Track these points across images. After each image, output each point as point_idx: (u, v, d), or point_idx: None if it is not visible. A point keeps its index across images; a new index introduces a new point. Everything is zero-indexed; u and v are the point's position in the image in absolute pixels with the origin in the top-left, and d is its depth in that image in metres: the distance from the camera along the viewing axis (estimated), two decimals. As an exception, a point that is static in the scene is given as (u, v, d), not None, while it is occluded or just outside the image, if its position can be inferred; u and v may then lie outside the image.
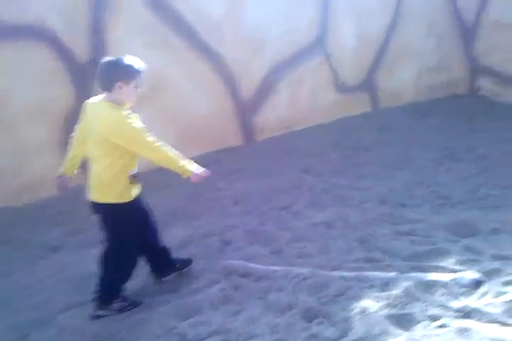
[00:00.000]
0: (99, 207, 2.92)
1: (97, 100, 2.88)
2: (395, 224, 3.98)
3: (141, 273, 3.38)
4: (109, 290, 3.07)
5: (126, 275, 3.13)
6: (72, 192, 4.92)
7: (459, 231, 3.76)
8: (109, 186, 2.86)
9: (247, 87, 6.26)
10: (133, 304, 3.11)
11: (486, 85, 8.40)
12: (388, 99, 7.85)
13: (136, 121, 2.75)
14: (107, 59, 2.76)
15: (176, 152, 2.90)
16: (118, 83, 2.72)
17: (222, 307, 3.02)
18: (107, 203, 2.88)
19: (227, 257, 3.61)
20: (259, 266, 3.43)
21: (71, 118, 5.03)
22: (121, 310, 3.06)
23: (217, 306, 3.04)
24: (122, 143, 2.74)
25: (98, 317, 3.03)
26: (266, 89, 6.45)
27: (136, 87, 2.80)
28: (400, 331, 2.61)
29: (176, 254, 3.57)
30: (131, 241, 3.04)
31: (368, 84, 7.62)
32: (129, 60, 2.75)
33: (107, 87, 2.76)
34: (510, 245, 3.44)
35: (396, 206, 4.30)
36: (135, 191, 2.98)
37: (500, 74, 8.10)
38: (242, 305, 3.03)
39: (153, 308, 3.06)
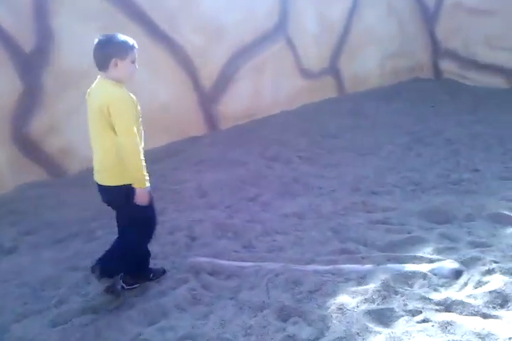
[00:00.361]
0: (112, 191, 2.79)
1: (96, 82, 2.78)
2: (368, 212, 3.85)
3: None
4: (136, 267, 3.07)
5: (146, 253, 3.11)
6: (22, 191, 4.67)
7: (433, 217, 3.65)
8: (118, 167, 2.70)
9: (208, 74, 6.00)
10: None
11: (450, 68, 8.38)
12: (354, 84, 7.72)
13: (131, 106, 2.68)
14: (99, 38, 2.66)
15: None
16: (113, 60, 2.63)
17: (190, 310, 2.81)
18: (122, 185, 2.74)
19: (194, 254, 3.40)
20: (228, 263, 3.24)
21: (17, 113, 4.69)
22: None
23: (186, 308, 2.83)
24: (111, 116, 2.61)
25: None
26: (227, 77, 6.20)
27: (133, 63, 2.71)
28: (379, 328, 2.47)
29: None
30: (153, 220, 3.00)
31: (332, 70, 7.46)
32: (121, 36, 2.67)
33: (103, 65, 2.66)
34: (485, 231, 3.35)
35: (368, 194, 4.16)
36: None
37: (464, 57, 8.08)
38: (212, 306, 2.83)
39: (116, 313, 2.82)
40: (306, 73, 7.06)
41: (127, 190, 2.72)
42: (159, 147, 5.66)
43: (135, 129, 2.66)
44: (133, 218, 2.87)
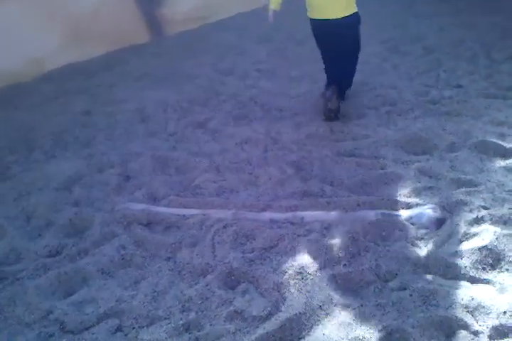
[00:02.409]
0: (346, 20, 3.27)
1: None
2: (335, 141, 3.27)
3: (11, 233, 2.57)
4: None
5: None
6: None
7: (410, 147, 3.11)
8: None
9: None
10: None
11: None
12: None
13: None
14: None
15: None
16: None
17: (117, 275, 2.30)
18: (353, 13, 3.29)
19: (127, 199, 2.81)
20: (167, 210, 2.68)
21: None
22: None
23: (112, 273, 2.32)
24: None
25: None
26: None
27: None
28: (347, 300, 2.02)
29: (59, 196, 2.80)
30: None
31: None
32: None
33: None
34: (471, 165, 2.83)
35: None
36: None
37: None
38: (145, 269, 2.32)
39: (22, 282, 2.29)
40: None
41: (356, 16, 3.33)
42: (93, 58, 4.82)
43: None
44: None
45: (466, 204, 2.46)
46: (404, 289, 2.04)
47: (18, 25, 4.32)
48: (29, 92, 4.44)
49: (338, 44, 3.40)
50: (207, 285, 2.15)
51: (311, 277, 2.13)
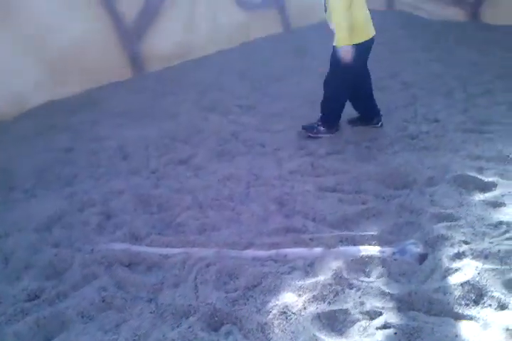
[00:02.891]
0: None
1: None
2: (316, 176, 3.30)
3: None
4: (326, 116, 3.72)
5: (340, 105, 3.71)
6: None
7: (390, 182, 3.15)
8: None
9: (129, 6, 5.05)
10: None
11: (403, -2, 7.68)
12: (300, 18, 6.91)
13: None
14: None
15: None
16: None
17: (98, 318, 2.25)
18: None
19: (108, 238, 2.78)
20: (149, 250, 2.66)
21: None
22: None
23: (92, 316, 2.26)
24: None
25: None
26: (153, 9, 5.27)
27: None
28: (331, 339, 2.00)
29: (39, 237, 2.75)
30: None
31: (275, 1, 6.60)
32: None
33: None
34: (451, 199, 2.87)
35: (317, 153, 3.59)
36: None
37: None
38: (126, 312, 2.27)
39: (1, 327, 2.22)
40: (246, 4, 6.18)
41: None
42: (74, 95, 4.84)
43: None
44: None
45: (447, 239, 2.48)
46: (389, 327, 2.03)
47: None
48: (9, 130, 4.43)
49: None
50: (189, 328, 2.11)
51: (295, 317, 2.10)
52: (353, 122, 3.96)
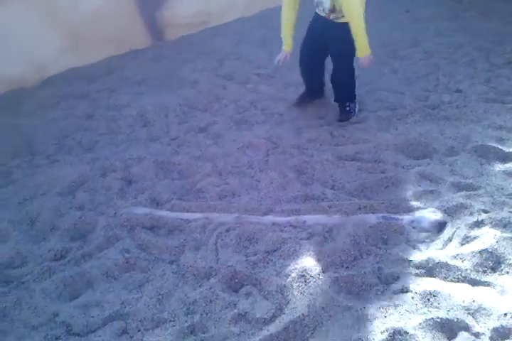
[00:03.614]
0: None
1: None
2: (336, 145, 3.29)
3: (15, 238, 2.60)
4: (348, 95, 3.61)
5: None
6: None
7: (410, 152, 3.14)
8: None
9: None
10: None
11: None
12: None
13: None
14: None
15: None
16: None
17: (122, 278, 2.33)
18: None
19: (130, 203, 2.84)
20: (170, 214, 2.71)
21: None
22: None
23: (116, 276, 2.34)
24: None
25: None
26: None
27: None
28: (349, 302, 2.05)
29: (63, 200, 2.84)
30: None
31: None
32: None
33: None
34: (471, 169, 2.86)
35: (337, 122, 3.57)
36: None
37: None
38: (149, 272, 2.35)
39: (28, 285, 2.31)
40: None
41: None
42: (94, 63, 4.86)
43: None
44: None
45: (466, 207, 2.50)
46: (406, 292, 2.07)
47: (17, 30, 4.35)
48: (30, 98, 4.46)
49: None
50: (211, 288, 2.18)
51: (314, 280, 2.15)
52: (301, 101, 3.85)
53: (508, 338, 1.80)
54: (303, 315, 1.98)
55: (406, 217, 2.49)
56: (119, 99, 4.19)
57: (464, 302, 1.97)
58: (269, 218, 2.62)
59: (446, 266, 2.16)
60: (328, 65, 3.58)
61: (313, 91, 3.83)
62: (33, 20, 4.38)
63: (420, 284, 2.09)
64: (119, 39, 4.98)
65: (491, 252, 2.18)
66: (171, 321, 2.04)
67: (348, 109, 3.55)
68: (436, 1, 6.45)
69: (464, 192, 2.63)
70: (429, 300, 2.01)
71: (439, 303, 1.99)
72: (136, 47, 5.16)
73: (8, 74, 4.45)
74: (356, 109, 3.61)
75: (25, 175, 3.23)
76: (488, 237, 2.26)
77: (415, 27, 5.59)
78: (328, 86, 3.70)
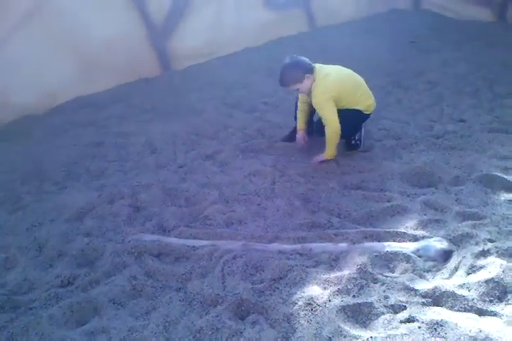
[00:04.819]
0: None
1: None
2: (341, 173, 3.34)
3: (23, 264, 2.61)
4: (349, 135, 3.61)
5: None
6: None
7: (415, 181, 3.17)
8: None
9: (158, 4, 5.15)
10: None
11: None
12: (325, 17, 6.94)
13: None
14: None
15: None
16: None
17: (129, 305, 2.33)
18: None
19: (138, 229, 2.86)
20: (178, 241, 2.73)
21: None
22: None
23: (123, 303, 2.34)
24: None
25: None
26: (181, 7, 5.35)
27: None
28: (356, 330, 2.04)
29: (71, 226, 2.86)
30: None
31: (302, 0, 6.63)
32: None
33: None
34: (476, 198, 2.89)
35: (340, 152, 3.62)
36: None
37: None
38: (156, 300, 2.35)
39: (35, 311, 2.31)
40: (272, 4, 6.24)
41: None
42: (103, 91, 4.97)
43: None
44: None
45: (472, 237, 2.51)
46: (413, 321, 2.06)
47: (29, 59, 4.47)
48: (40, 125, 4.55)
49: None
50: (217, 316, 2.17)
51: (321, 308, 2.15)
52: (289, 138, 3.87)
53: (516, 369, 1.79)
54: (309, 344, 1.98)
55: (412, 246, 2.50)
56: (127, 127, 4.27)
57: (470, 332, 1.96)
58: (276, 246, 2.63)
59: (452, 295, 2.16)
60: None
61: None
62: (45, 48, 4.51)
63: (427, 313, 2.09)
64: (129, 68, 5.10)
65: (497, 282, 2.18)
66: (177, 349, 2.04)
67: (353, 142, 3.60)
68: (440, 31, 6.60)
69: (469, 222, 2.65)
70: (435, 329, 2.00)
71: (446, 333, 1.98)
72: (145, 75, 5.27)
73: (20, 102, 4.56)
74: (362, 138, 3.65)
75: (34, 201, 3.27)
76: (494, 267, 2.26)
77: (419, 57, 5.71)
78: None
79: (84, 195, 3.24)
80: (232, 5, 5.83)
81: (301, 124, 3.66)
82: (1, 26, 4.09)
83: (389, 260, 2.44)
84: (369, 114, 3.57)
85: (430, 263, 2.40)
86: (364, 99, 3.48)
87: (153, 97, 4.86)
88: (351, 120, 3.45)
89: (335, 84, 3.33)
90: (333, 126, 3.28)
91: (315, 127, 3.59)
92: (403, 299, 2.19)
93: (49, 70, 4.59)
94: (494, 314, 2.05)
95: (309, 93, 3.36)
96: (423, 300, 2.17)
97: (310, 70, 3.30)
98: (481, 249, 2.41)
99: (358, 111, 3.48)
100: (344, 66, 3.60)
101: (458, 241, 2.51)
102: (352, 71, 3.54)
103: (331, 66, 3.47)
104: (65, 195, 3.29)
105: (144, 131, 4.16)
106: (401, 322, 2.07)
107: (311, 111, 3.66)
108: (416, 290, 2.22)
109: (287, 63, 3.33)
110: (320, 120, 3.40)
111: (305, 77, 3.27)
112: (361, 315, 2.14)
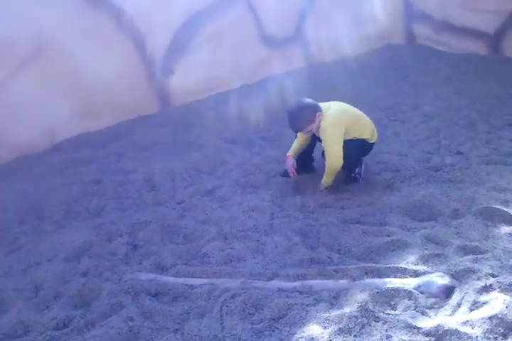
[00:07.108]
0: None
1: None
2: (340, 208, 3.32)
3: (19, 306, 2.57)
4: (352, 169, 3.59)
5: None
6: None
7: (415, 214, 3.15)
8: None
9: (157, 44, 5.27)
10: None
11: (423, 32, 7.79)
12: (322, 53, 7.06)
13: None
14: None
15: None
16: None
17: (125, 348, 2.27)
18: None
19: (135, 268, 2.83)
20: (175, 280, 2.69)
21: None
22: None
23: (120, 346, 2.28)
24: None
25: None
26: (180, 46, 5.48)
27: None
28: (359, 372, 1.98)
29: (68, 266, 2.81)
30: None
31: (298, 37, 6.78)
32: None
33: None
34: (477, 232, 2.86)
35: (339, 185, 3.62)
36: None
37: (438, 20, 7.46)
38: (152, 342, 2.29)
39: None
40: (268, 41, 6.38)
41: None
42: (102, 129, 5.01)
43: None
44: None
45: (473, 271, 2.46)
46: (417, 361, 2.01)
47: (30, 98, 4.54)
48: (39, 163, 4.57)
49: None
50: (216, 359, 2.12)
51: (322, 349, 2.09)
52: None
53: None
54: (311, 387, 1.92)
55: (413, 282, 2.46)
56: (126, 164, 4.29)
57: (476, 371, 1.90)
58: (275, 283, 2.59)
59: (456, 333, 2.11)
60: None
61: (302, 167, 3.76)
62: (46, 88, 4.58)
63: (431, 353, 2.03)
64: (129, 105, 5.17)
65: (501, 318, 2.13)
66: None
67: (353, 175, 3.60)
68: (433, 65, 6.71)
69: (470, 256, 2.61)
70: (440, 369, 1.95)
71: (451, 375, 1.92)
72: (144, 113, 5.34)
73: (20, 140, 4.60)
74: (362, 172, 3.65)
75: (31, 241, 3.25)
76: (497, 302, 2.21)
77: (414, 91, 5.78)
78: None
79: (82, 234, 3.22)
80: (231, 43, 5.96)
81: (292, 151, 3.66)
82: (2, 67, 4.18)
83: (390, 297, 2.40)
84: (373, 144, 3.63)
85: (432, 300, 2.35)
86: (368, 127, 3.56)
87: (153, 134, 4.91)
88: (357, 150, 3.49)
89: (342, 115, 3.41)
90: (335, 161, 3.33)
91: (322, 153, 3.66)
92: (405, 338, 2.13)
93: (49, 109, 4.65)
94: (499, 352, 2.00)
95: (317, 130, 3.39)
96: (426, 338, 2.12)
97: (319, 108, 3.36)
98: (483, 284, 2.36)
99: (363, 141, 3.54)
100: (339, 100, 3.65)
101: (460, 276, 2.47)
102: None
103: (329, 102, 3.52)
104: (63, 234, 3.27)
105: (143, 168, 4.18)
106: (404, 362, 2.02)
107: (308, 146, 3.67)
108: (418, 328, 2.17)
109: (295, 108, 3.36)
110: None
111: (316, 116, 3.32)
112: (363, 355, 2.08)
